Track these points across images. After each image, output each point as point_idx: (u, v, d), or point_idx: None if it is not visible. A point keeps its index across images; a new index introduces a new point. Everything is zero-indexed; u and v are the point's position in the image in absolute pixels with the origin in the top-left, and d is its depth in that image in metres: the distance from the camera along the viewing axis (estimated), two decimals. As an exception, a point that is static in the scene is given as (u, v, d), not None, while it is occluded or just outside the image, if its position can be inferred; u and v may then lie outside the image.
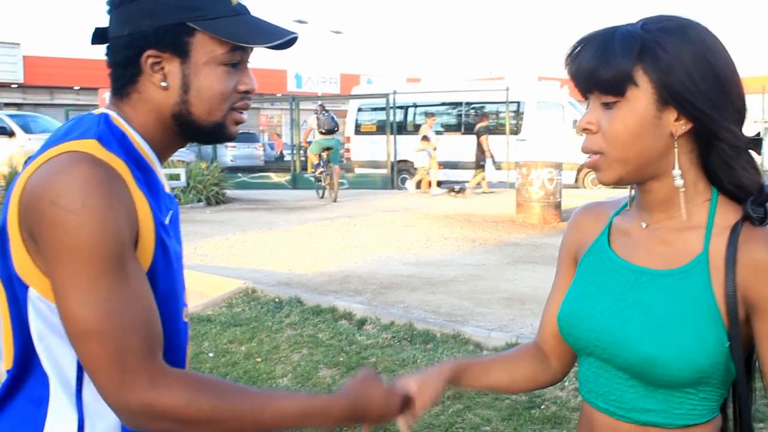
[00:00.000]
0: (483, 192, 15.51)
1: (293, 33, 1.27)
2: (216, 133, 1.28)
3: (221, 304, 6.25)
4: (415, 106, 20.01)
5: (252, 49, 1.27)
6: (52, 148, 1.14)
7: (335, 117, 15.55)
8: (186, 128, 1.27)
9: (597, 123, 1.17)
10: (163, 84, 1.22)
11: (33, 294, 1.13)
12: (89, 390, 1.15)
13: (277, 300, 6.20)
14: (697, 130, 1.14)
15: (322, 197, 14.94)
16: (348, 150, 20.63)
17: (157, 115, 1.25)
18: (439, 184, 15.94)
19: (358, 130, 20.27)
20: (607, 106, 1.16)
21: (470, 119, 19.07)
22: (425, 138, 15.71)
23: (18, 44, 29.10)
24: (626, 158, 1.16)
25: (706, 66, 1.12)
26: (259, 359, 4.92)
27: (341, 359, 4.83)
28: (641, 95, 1.13)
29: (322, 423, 1.20)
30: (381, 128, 19.42)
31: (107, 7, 1.26)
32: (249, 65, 1.30)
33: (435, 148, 15.69)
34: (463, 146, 17.28)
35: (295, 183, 18.59)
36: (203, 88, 1.23)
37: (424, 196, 15.03)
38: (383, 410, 1.28)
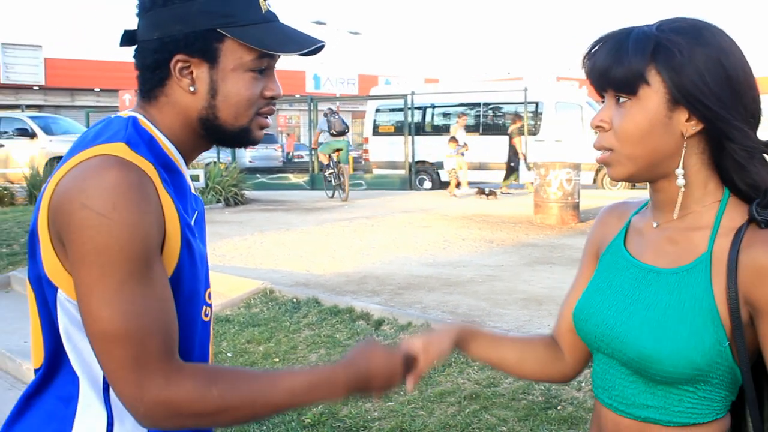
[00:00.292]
0: (504, 193, 15.52)
1: (321, 41, 1.28)
2: (241, 138, 1.30)
3: (240, 305, 6.30)
4: (433, 106, 20.02)
5: (279, 56, 1.28)
6: (83, 151, 1.16)
7: (344, 119, 15.79)
8: (212, 132, 1.28)
9: (610, 120, 1.20)
10: (192, 89, 1.24)
11: (62, 295, 1.16)
12: None
13: (295, 300, 6.23)
14: (708, 130, 1.16)
15: (332, 197, 15.14)
16: (366, 151, 20.66)
17: (184, 119, 1.27)
18: (463, 184, 15.94)
19: (376, 131, 20.30)
20: (620, 104, 1.18)
21: (488, 120, 19.06)
22: (453, 139, 15.69)
23: (40, 46, 29.38)
24: (636, 156, 1.18)
25: (719, 68, 1.13)
26: (277, 359, 4.96)
27: (359, 359, 4.84)
28: (653, 94, 1.15)
29: (331, 393, 1.21)
30: (399, 129, 19.43)
31: (136, 11, 1.27)
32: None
33: (466, 147, 15.66)
34: (481, 147, 17.27)
35: (314, 184, 18.64)
36: (231, 93, 1.25)
37: (444, 197, 15.01)
38: (386, 370, 1.27)
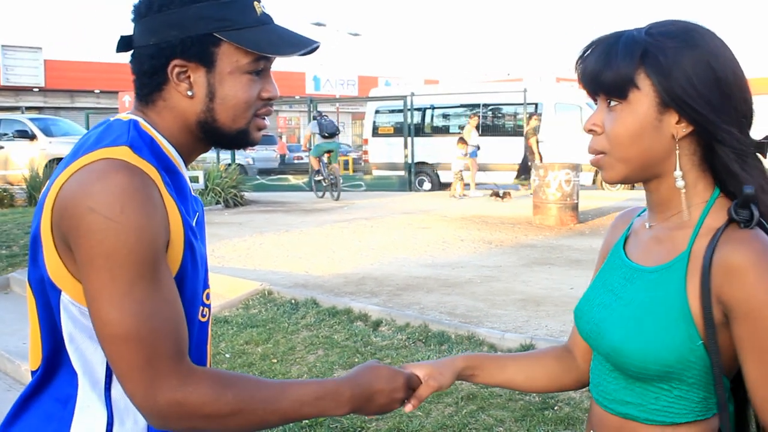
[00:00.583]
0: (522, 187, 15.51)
1: (315, 42, 1.30)
2: (240, 140, 1.31)
3: (238, 306, 6.31)
4: (433, 108, 20.01)
5: (275, 57, 1.30)
6: (86, 155, 1.16)
7: (334, 121, 16.03)
8: (211, 135, 1.30)
9: (602, 124, 1.21)
10: (189, 93, 1.25)
11: (65, 298, 1.17)
12: (118, 388, 1.18)
13: (293, 301, 6.24)
14: (698, 132, 1.17)
15: (322, 197, 15.35)
16: (366, 152, 20.65)
17: (183, 122, 1.28)
18: (472, 186, 15.92)
19: (375, 132, 20.30)
20: (611, 107, 1.20)
21: (488, 121, 19.05)
22: (462, 140, 15.65)
23: (39, 48, 29.40)
24: (628, 158, 1.20)
25: (707, 70, 1.14)
26: (275, 360, 4.97)
27: (356, 360, 4.86)
28: (643, 98, 1.16)
29: (335, 406, 1.24)
30: (399, 130, 19.42)
31: (132, 16, 1.27)
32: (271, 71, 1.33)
33: (467, 156, 15.62)
34: (481, 147, 17.26)
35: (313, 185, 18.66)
36: (228, 96, 1.26)
37: (444, 198, 15.01)
38: (389, 388, 1.31)
